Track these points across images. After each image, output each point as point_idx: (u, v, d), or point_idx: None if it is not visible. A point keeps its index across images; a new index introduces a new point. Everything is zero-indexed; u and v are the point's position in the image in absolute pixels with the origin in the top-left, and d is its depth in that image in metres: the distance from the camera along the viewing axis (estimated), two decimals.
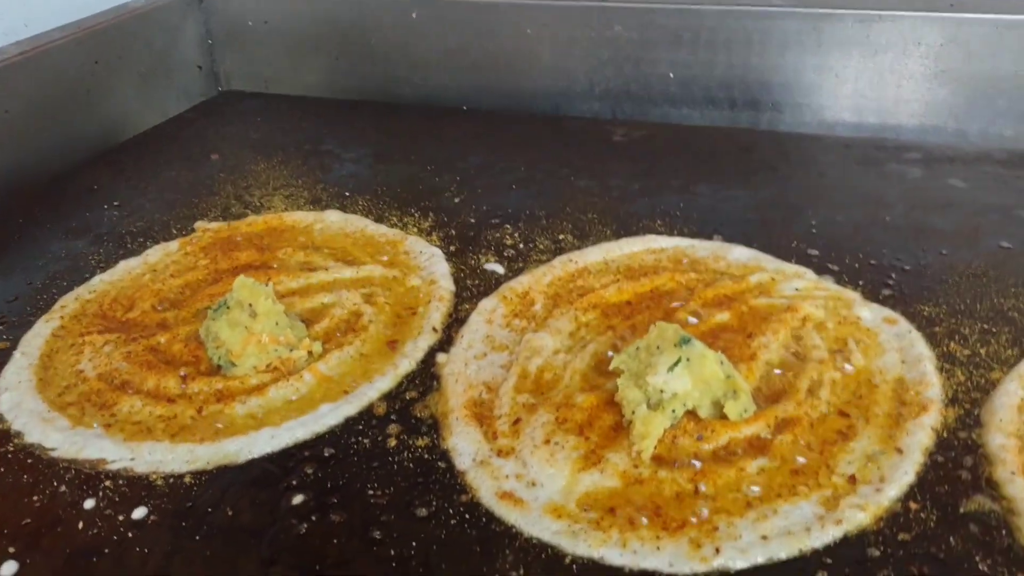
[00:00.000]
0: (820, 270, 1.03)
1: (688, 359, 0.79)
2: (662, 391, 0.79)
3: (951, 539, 0.68)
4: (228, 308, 0.92)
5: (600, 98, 1.55)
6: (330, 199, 1.29)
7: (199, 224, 1.22)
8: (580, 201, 1.23)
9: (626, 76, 1.54)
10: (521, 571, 0.68)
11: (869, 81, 1.40)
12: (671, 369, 0.79)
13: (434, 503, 0.75)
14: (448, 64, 1.64)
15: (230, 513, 0.75)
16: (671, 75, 1.53)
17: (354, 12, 1.69)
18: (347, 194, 1.30)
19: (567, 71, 1.57)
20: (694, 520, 0.71)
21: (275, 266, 1.10)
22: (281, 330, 0.92)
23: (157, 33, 1.70)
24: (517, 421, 0.82)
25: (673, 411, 0.79)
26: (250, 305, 0.91)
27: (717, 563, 0.68)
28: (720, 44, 1.46)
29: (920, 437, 0.78)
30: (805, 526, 0.70)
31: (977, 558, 0.67)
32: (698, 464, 0.76)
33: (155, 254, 1.16)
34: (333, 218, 1.21)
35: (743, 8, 1.43)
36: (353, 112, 1.63)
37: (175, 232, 1.22)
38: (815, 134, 1.41)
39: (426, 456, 0.80)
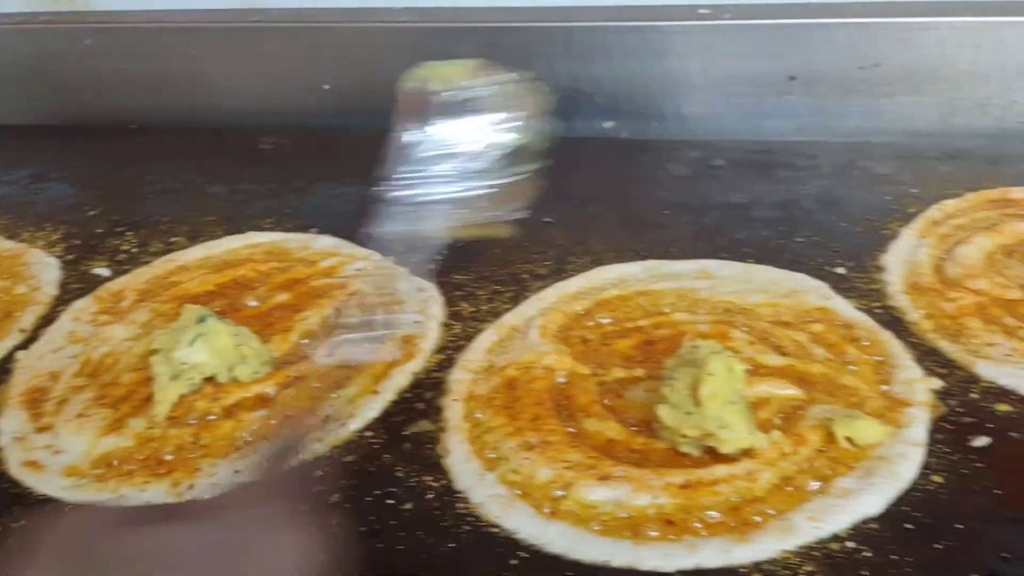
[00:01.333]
0: (387, 252, 1.19)
1: (204, 334, 0.93)
2: (183, 363, 0.93)
3: (385, 456, 0.85)
4: None
5: (257, 112, 1.68)
6: None
7: None
8: (205, 206, 1.36)
9: (284, 89, 1.68)
10: (24, 523, 0.80)
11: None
12: (191, 344, 0.93)
13: None
14: (120, 86, 1.73)
15: None
16: (325, 87, 1.68)
17: (34, 43, 1.76)
18: None
19: (228, 88, 1.69)
20: (185, 465, 0.85)
21: None
22: None
23: None
24: (63, 401, 0.94)
25: (191, 379, 0.93)
26: None
27: (191, 495, 0.82)
28: (359, 60, 1.63)
29: (399, 380, 0.95)
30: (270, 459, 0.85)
31: (397, 468, 0.83)
32: (207, 419, 0.90)
33: None
34: None
35: (376, 25, 1.60)
36: (27, 137, 1.70)
37: None
38: None
39: None
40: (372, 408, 0.91)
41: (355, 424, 0.89)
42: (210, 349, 0.93)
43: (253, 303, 1.09)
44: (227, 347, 0.94)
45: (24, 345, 1.06)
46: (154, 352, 0.95)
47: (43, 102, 1.77)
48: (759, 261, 1.11)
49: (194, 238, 1.27)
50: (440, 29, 1.58)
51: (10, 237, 1.31)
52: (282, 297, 1.10)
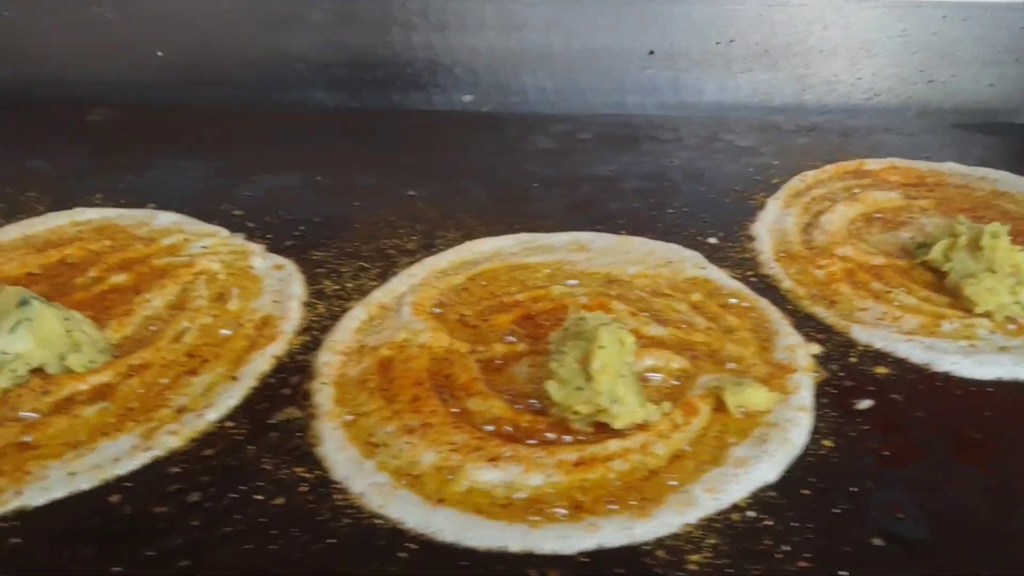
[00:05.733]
0: (237, 228, 1.10)
1: (28, 319, 0.81)
2: (4, 353, 0.80)
3: (249, 447, 0.76)
4: None
5: (84, 82, 1.52)
6: None
7: None
8: (27, 183, 1.21)
9: (113, 57, 1.52)
10: None
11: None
12: (12, 331, 0.81)
13: None
14: None
15: None
16: (159, 54, 1.54)
17: None
18: None
19: (51, 56, 1.52)
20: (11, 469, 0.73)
21: None
22: None
23: None
24: None
25: (15, 371, 0.80)
26: None
27: (16, 504, 0.70)
28: (196, 26, 1.50)
29: (259, 364, 0.86)
30: (115, 458, 0.74)
31: (264, 460, 0.75)
32: (36, 416, 0.79)
33: None
34: None
35: None
36: None
37: None
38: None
39: None
40: (231, 396, 0.82)
41: (212, 414, 0.79)
42: (36, 336, 0.81)
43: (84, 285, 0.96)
44: (56, 334, 0.82)
45: None
46: None
47: None
48: (633, 232, 1.09)
49: (11, 216, 1.12)
50: None
51: None
52: (118, 278, 0.98)
